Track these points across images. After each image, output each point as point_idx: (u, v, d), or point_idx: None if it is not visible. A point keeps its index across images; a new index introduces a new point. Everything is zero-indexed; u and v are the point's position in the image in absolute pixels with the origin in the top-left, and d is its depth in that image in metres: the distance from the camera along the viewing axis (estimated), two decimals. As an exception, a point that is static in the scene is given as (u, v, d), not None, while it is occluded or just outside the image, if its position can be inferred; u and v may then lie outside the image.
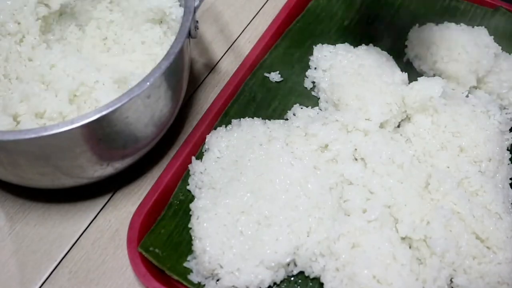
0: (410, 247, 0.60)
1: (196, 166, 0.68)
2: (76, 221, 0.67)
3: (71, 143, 0.54)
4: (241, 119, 0.72)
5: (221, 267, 0.59)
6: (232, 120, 0.72)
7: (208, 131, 0.71)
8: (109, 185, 0.69)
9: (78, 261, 0.64)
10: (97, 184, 0.67)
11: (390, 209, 0.62)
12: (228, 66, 0.84)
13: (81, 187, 0.66)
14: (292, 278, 0.63)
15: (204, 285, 0.61)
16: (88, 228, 0.67)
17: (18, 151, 0.54)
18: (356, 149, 0.67)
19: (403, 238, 0.60)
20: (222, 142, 0.68)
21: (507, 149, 0.71)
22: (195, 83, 0.82)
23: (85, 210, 0.68)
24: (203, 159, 0.68)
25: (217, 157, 0.67)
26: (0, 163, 0.57)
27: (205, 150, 0.69)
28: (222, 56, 0.86)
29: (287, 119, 0.74)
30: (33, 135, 0.51)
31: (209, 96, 0.81)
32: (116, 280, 0.63)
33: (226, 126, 0.72)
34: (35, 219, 0.67)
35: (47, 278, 0.63)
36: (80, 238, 0.66)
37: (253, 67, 0.79)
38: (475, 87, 0.76)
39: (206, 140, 0.70)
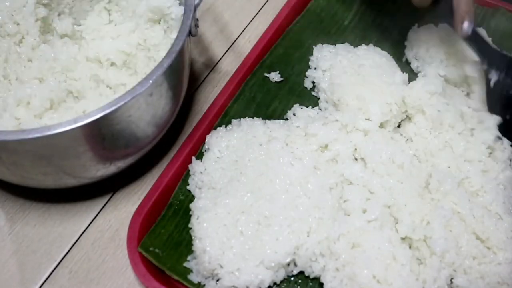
0: (410, 247, 0.60)
1: (196, 166, 0.67)
2: (76, 221, 0.67)
3: (74, 142, 0.54)
4: (241, 119, 0.72)
5: (221, 267, 0.59)
6: (232, 120, 0.72)
7: (208, 131, 0.71)
8: (109, 185, 0.69)
9: (78, 261, 0.64)
10: (97, 184, 0.66)
11: (390, 209, 0.62)
12: (228, 66, 0.84)
13: (82, 187, 0.66)
14: (292, 278, 0.63)
15: (204, 285, 0.61)
16: (88, 228, 0.66)
17: (21, 151, 0.54)
18: (356, 149, 0.67)
19: (403, 238, 0.60)
20: (222, 142, 0.68)
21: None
22: (195, 83, 0.82)
23: (85, 210, 0.67)
24: (203, 159, 0.68)
25: (217, 157, 0.67)
26: (2, 163, 0.57)
27: (205, 150, 0.69)
28: (222, 56, 0.86)
29: (287, 119, 0.74)
30: (36, 135, 0.51)
31: (208, 96, 0.81)
32: (116, 280, 0.63)
33: (226, 126, 0.72)
34: (35, 219, 0.66)
35: (47, 278, 0.62)
36: (80, 238, 0.65)
37: (253, 67, 0.79)
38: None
39: (206, 140, 0.70)
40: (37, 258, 0.64)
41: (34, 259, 0.64)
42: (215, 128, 0.72)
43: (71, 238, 0.65)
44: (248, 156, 0.66)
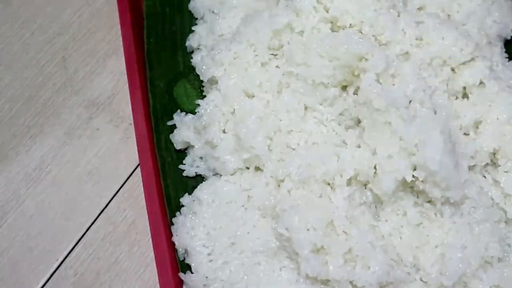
0: None
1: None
2: (83, 210, 0.63)
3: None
4: (197, 188, 0.55)
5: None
6: (184, 197, 0.56)
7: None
8: (124, 164, 0.65)
9: (84, 261, 0.61)
10: (109, 162, 0.64)
11: None
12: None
13: (88, 167, 0.63)
14: None
15: None
16: (97, 220, 0.63)
17: None
18: None
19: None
20: (197, 233, 0.53)
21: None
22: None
23: (93, 197, 0.64)
24: (192, 267, 0.53)
25: (208, 254, 0.53)
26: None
27: (185, 256, 0.54)
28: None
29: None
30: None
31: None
32: (132, 283, 0.60)
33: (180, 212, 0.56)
34: (32, 208, 0.63)
35: (46, 282, 0.60)
36: (87, 232, 0.62)
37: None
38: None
39: (176, 245, 0.54)
40: (34, 257, 0.61)
41: (30, 258, 0.61)
42: (172, 224, 0.55)
43: (76, 232, 0.62)
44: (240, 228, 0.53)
